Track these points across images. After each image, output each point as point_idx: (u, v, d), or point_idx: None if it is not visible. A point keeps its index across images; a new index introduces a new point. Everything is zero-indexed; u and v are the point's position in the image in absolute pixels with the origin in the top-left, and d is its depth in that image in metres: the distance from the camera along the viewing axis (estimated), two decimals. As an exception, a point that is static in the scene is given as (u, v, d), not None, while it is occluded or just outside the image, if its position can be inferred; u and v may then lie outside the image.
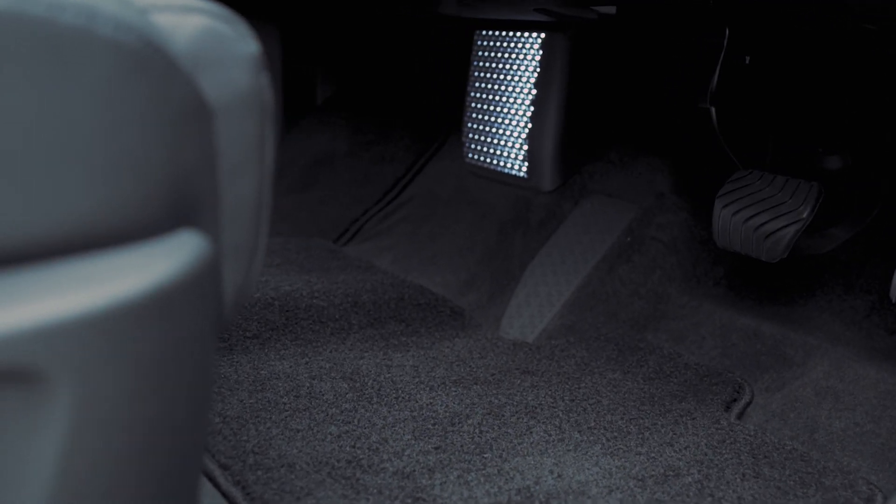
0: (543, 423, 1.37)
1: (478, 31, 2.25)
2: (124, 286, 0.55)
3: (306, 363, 1.57)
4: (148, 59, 0.57)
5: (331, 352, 1.64)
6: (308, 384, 1.47)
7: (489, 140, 2.21)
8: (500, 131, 2.18)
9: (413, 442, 1.28)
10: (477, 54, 2.25)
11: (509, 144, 2.15)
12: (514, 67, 2.14)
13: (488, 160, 2.22)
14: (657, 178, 1.96)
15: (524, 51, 2.11)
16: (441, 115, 2.68)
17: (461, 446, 1.28)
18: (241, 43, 0.69)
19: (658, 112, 2.09)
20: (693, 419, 1.41)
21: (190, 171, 0.63)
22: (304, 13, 3.12)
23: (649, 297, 1.81)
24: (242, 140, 0.70)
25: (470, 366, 1.61)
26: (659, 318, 1.77)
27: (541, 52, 2.07)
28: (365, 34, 3.16)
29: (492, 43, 2.20)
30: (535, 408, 1.43)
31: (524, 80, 2.11)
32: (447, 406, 1.42)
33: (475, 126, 2.26)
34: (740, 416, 1.47)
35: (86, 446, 0.55)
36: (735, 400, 1.51)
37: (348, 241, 2.44)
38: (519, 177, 2.14)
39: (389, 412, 1.38)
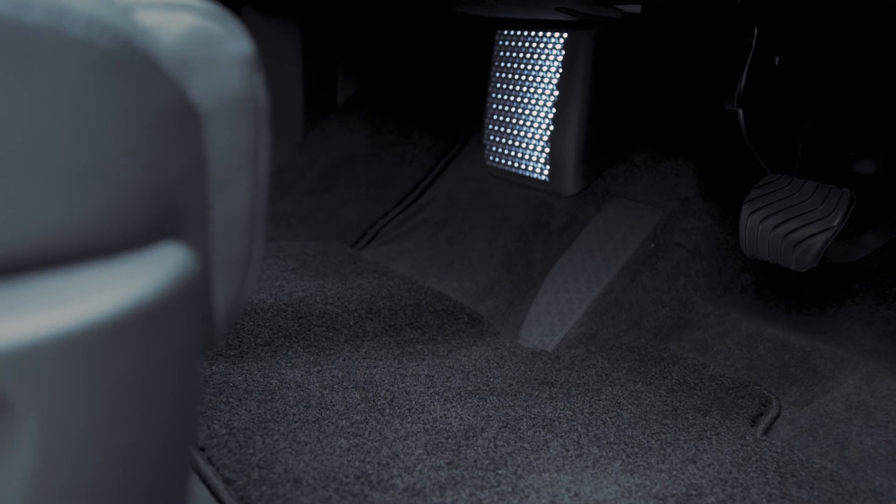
0: (561, 437, 1.33)
1: (499, 31, 2.21)
2: (98, 304, 0.52)
3: (318, 372, 1.54)
4: (125, 60, 0.53)
5: (344, 360, 1.60)
6: (319, 394, 1.44)
7: (510, 142, 2.17)
8: (522, 133, 2.13)
9: (425, 457, 1.24)
10: (498, 54, 2.21)
11: (530, 147, 2.11)
12: (536, 68, 2.09)
13: (509, 163, 2.18)
14: (682, 182, 1.91)
15: (546, 51, 2.06)
16: (462, 116, 2.64)
17: (475, 462, 1.23)
18: (232, 43, 0.65)
19: (684, 114, 2.04)
20: (717, 434, 1.36)
21: (174, 179, 0.59)
22: (327, 11, 3.09)
23: (673, 305, 1.76)
24: (234, 147, 0.66)
25: (487, 376, 1.57)
26: (683, 327, 1.72)
27: (563, 52, 2.02)
28: (387, 34, 3.13)
29: (513, 43, 2.16)
30: (553, 421, 1.39)
31: (546, 81, 2.06)
32: (462, 418, 1.37)
33: (496, 128, 2.22)
34: (767, 431, 1.42)
35: (56, 478, 0.51)
36: (761, 414, 1.45)
37: (367, 245, 2.40)
38: (540, 180, 2.10)
39: (402, 424, 1.34)
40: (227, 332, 0.73)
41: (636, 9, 1.79)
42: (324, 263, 2.11)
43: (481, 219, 2.20)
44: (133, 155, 0.55)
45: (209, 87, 0.63)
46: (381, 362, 1.60)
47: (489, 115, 2.24)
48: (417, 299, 1.88)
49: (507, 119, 2.17)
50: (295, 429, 1.30)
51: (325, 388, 1.46)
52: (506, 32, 2.18)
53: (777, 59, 1.68)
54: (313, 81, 3.19)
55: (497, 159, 2.22)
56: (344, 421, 1.34)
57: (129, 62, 0.54)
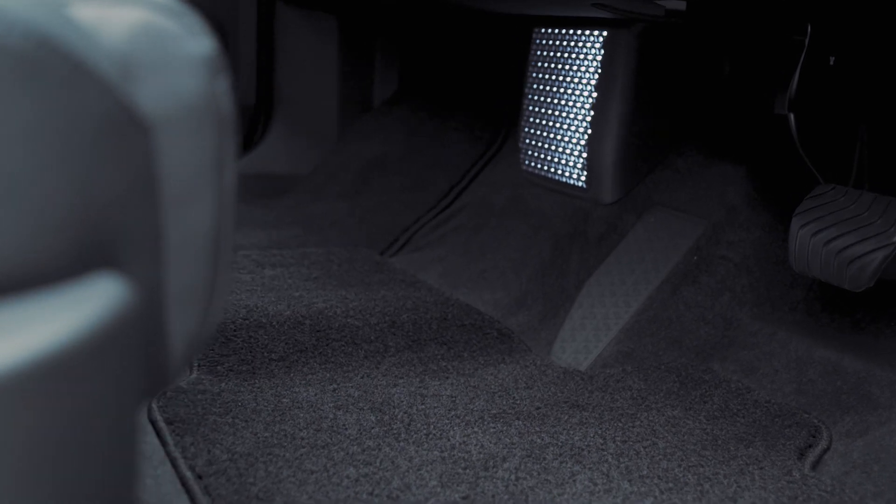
0: (589, 469, 1.24)
1: (536, 29, 2.12)
2: (7, 349, 0.44)
3: (333, 390, 1.46)
4: (41, 62, 0.46)
5: (362, 378, 1.53)
6: (332, 415, 1.36)
7: (546, 146, 2.08)
8: (559, 137, 2.04)
9: (439, 489, 1.15)
10: (535, 54, 2.12)
11: (567, 152, 2.01)
12: (574, 68, 2.00)
13: (545, 168, 2.09)
14: (729, 190, 1.81)
15: (584, 50, 1.97)
16: (500, 117, 2.56)
17: (493, 496, 1.15)
18: (188, 41, 0.57)
19: (731, 118, 1.94)
20: (761, 468, 1.26)
21: (111, 201, 0.51)
22: (365, 7, 3.03)
23: (717, 322, 1.66)
24: (193, 160, 0.58)
25: (513, 397, 1.48)
26: (727, 346, 1.62)
27: (602, 51, 1.92)
28: (426, 33, 3.06)
29: (550, 41, 2.07)
30: (582, 450, 1.29)
31: (584, 81, 1.97)
32: (482, 446, 1.29)
33: (532, 131, 2.13)
34: (815, 465, 1.32)
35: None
36: (810, 446, 1.35)
37: (398, 251, 2.33)
38: (577, 187, 2.00)
39: (417, 452, 1.26)
40: (184, 370, 0.65)
41: (680, 5, 1.70)
42: (349, 272, 2.04)
43: (515, 226, 2.12)
44: (56, 173, 0.47)
45: (160, 92, 0.55)
46: (401, 381, 1.52)
47: (525, 118, 2.16)
48: (444, 312, 1.79)
49: (544, 122, 2.08)
50: (302, 455, 1.22)
51: (338, 409, 1.39)
52: (543, 31, 2.09)
53: (832, 58, 1.59)
54: (350, 80, 3.14)
55: (533, 164, 2.13)
56: (355, 447, 1.26)
57: (46, 64, 0.46)
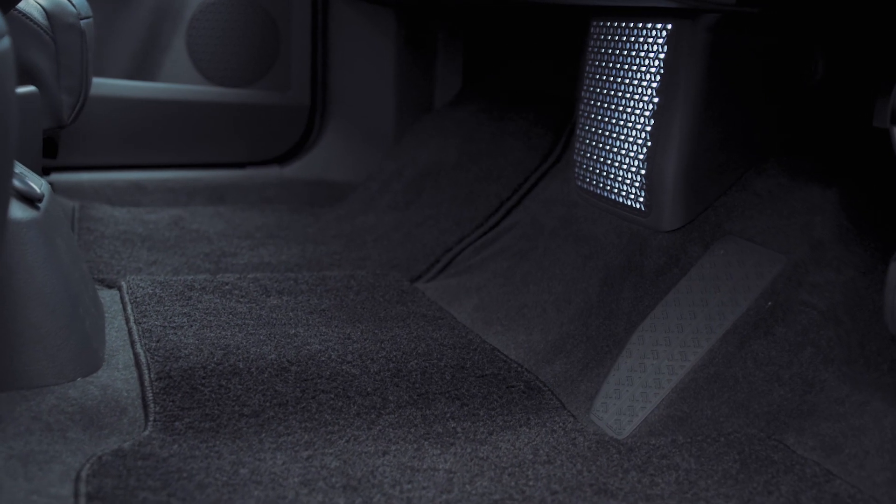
0: (602, 588, 0.99)
1: (594, 22, 1.88)
2: None
3: (307, 458, 1.24)
4: None
5: (346, 442, 1.30)
6: (293, 495, 1.14)
7: (602, 160, 1.83)
8: (615, 149, 1.79)
9: None
10: (591, 51, 1.88)
11: (624, 167, 1.76)
12: (633, 68, 1.75)
13: (600, 185, 1.84)
14: (816, 220, 1.55)
15: (645, 46, 1.72)
16: (561, 125, 2.34)
17: None
18: None
19: (822, 131, 1.70)
20: None
21: None
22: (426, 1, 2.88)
23: (794, 384, 1.39)
24: None
25: (527, 475, 1.24)
26: (806, 415, 1.35)
27: (665, 47, 1.67)
28: (492, 28, 2.89)
29: (608, 36, 1.82)
30: (598, 558, 1.04)
31: (644, 83, 1.71)
32: (468, 549, 1.05)
33: (588, 142, 1.88)
34: None
35: None
36: (903, 564, 1.07)
37: (437, 275, 2.12)
38: (634, 209, 1.75)
39: (382, 555, 1.02)
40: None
41: (761, -8, 1.46)
42: (365, 303, 1.83)
43: (564, 253, 1.88)
44: None
45: None
46: (393, 447, 1.30)
47: (580, 126, 1.92)
48: (462, 359, 1.56)
49: (599, 131, 1.84)
50: (234, 555, 1.00)
51: (304, 486, 1.17)
52: (601, 23, 1.84)
53: (949, 59, 1.33)
54: (408, 80, 2.99)
55: (587, 179, 1.88)
56: (305, 544, 1.03)
57: None
